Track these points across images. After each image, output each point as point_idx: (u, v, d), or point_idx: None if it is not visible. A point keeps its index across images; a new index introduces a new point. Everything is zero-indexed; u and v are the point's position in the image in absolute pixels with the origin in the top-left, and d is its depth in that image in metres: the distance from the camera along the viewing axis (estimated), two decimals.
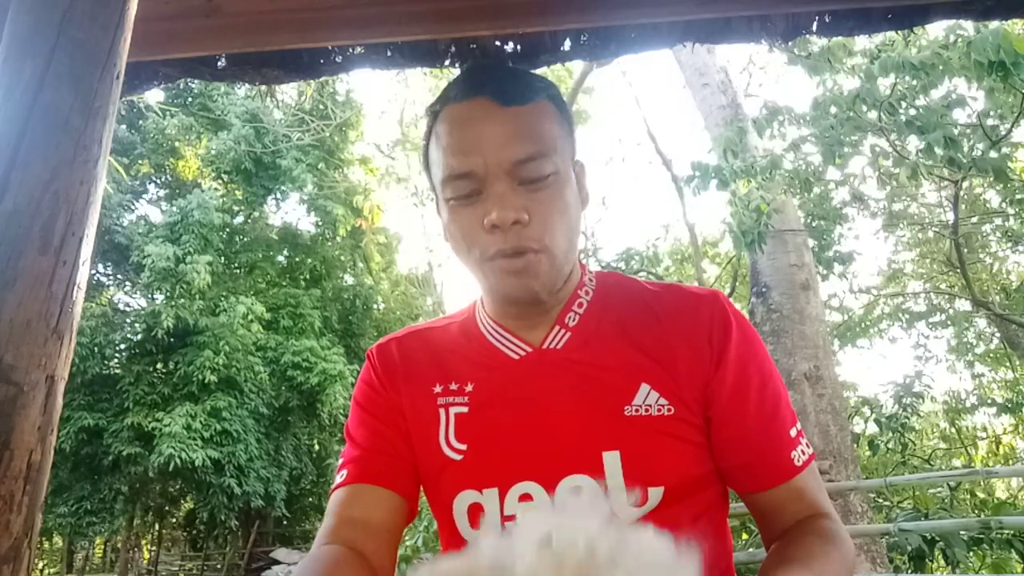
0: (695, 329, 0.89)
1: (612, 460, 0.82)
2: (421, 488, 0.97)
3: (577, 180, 0.94)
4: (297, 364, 16.52)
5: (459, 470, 0.88)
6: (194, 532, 23.32)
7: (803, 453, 0.86)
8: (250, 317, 15.97)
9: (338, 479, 0.95)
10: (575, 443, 0.80)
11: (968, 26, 3.99)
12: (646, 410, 0.85)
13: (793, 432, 0.87)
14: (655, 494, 0.82)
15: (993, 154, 4.51)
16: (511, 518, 0.84)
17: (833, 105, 4.82)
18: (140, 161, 18.62)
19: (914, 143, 5.09)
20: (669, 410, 0.85)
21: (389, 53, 1.43)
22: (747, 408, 0.86)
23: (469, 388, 0.92)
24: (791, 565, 0.72)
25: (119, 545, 22.14)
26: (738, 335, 0.90)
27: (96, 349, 15.72)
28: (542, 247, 0.86)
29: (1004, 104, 5.14)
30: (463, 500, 0.88)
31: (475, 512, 0.87)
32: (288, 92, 16.34)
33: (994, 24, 3.73)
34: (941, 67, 4.02)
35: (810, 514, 0.84)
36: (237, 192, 18.83)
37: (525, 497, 0.84)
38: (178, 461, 14.46)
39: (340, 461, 0.97)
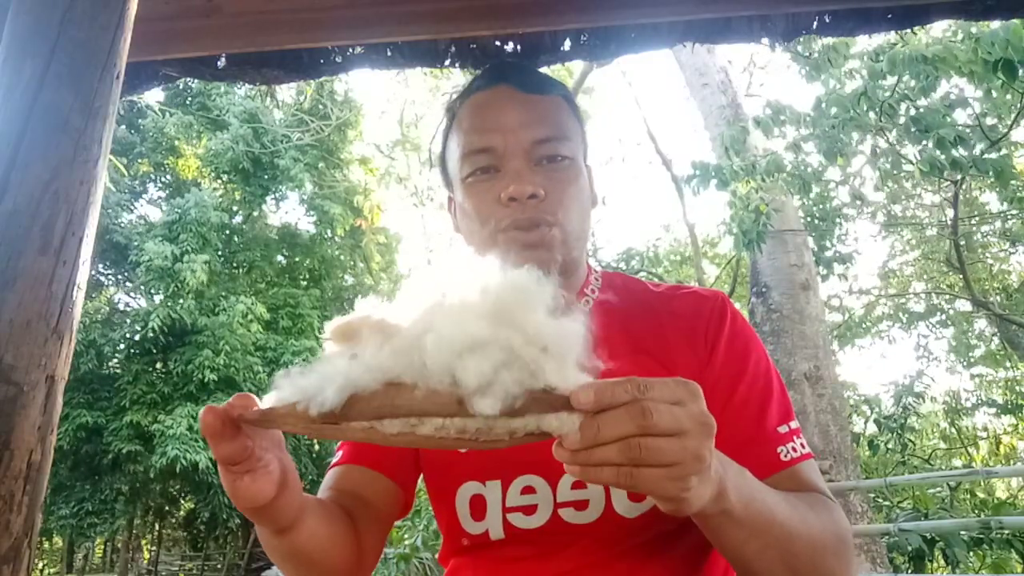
0: (693, 327, 0.91)
1: None
2: (420, 483, 0.98)
3: (588, 180, 0.98)
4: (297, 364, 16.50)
5: (463, 462, 0.89)
6: (194, 532, 23.31)
7: (794, 451, 0.84)
8: (250, 317, 15.96)
9: (334, 460, 0.96)
10: None
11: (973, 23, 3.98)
12: None
13: (783, 429, 0.85)
14: None
15: (992, 155, 4.51)
16: (513, 510, 0.85)
17: (835, 105, 4.80)
18: (139, 160, 18.61)
19: (913, 144, 5.09)
20: None
21: (389, 53, 1.43)
22: (732, 400, 0.86)
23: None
24: (773, 489, 0.71)
25: (119, 545, 22.14)
26: (731, 331, 0.91)
27: (94, 348, 15.74)
28: (556, 221, 0.89)
29: (1002, 104, 5.14)
30: (466, 491, 0.89)
31: (477, 504, 0.88)
32: (287, 92, 16.35)
33: (994, 24, 3.72)
34: (951, 62, 3.99)
35: (806, 491, 0.82)
36: (236, 192, 18.81)
37: (528, 490, 0.85)
38: (183, 462, 14.46)
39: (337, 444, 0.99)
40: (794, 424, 0.87)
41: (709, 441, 0.55)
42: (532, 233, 0.87)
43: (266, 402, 0.56)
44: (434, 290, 0.55)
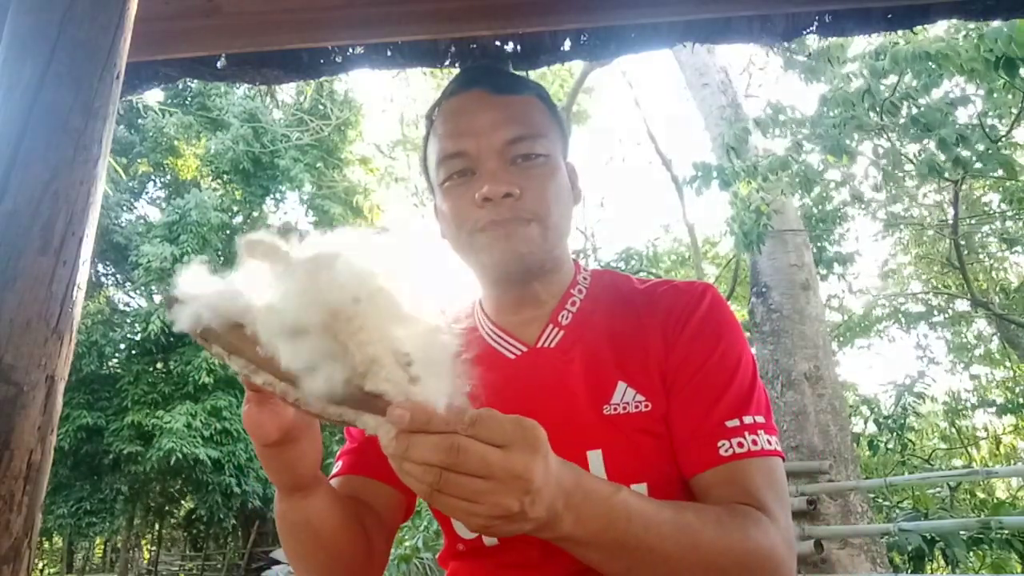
0: (667, 318, 0.90)
1: (595, 459, 0.83)
2: None
3: (569, 179, 0.98)
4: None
5: None
6: (194, 532, 23.30)
7: (739, 446, 0.80)
8: None
9: (333, 471, 0.96)
10: (561, 443, 0.78)
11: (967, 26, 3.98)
12: (623, 408, 0.85)
13: (733, 423, 0.81)
14: (639, 491, 0.81)
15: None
16: None
17: (839, 104, 4.80)
18: (139, 160, 18.61)
19: (914, 144, 5.08)
20: (646, 406, 0.85)
21: (389, 53, 1.43)
22: (685, 389, 0.85)
23: (466, 388, 0.93)
24: (663, 507, 0.69)
25: (119, 545, 22.12)
26: (701, 320, 0.89)
27: (96, 349, 15.76)
28: (534, 217, 0.89)
29: (1003, 104, 5.14)
30: None
31: None
32: (287, 92, 16.34)
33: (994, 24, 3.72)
34: (953, 59, 3.98)
35: (743, 501, 0.77)
36: (236, 192, 18.82)
37: None
38: (179, 455, 14.49)
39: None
40: (751, 419, 0.82)
41: (519, 495, 0.54)
42: (508, 226, 0.88)
43: (178, 291, 0.58)
44: (331, 253, 0.54)
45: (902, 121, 4.57)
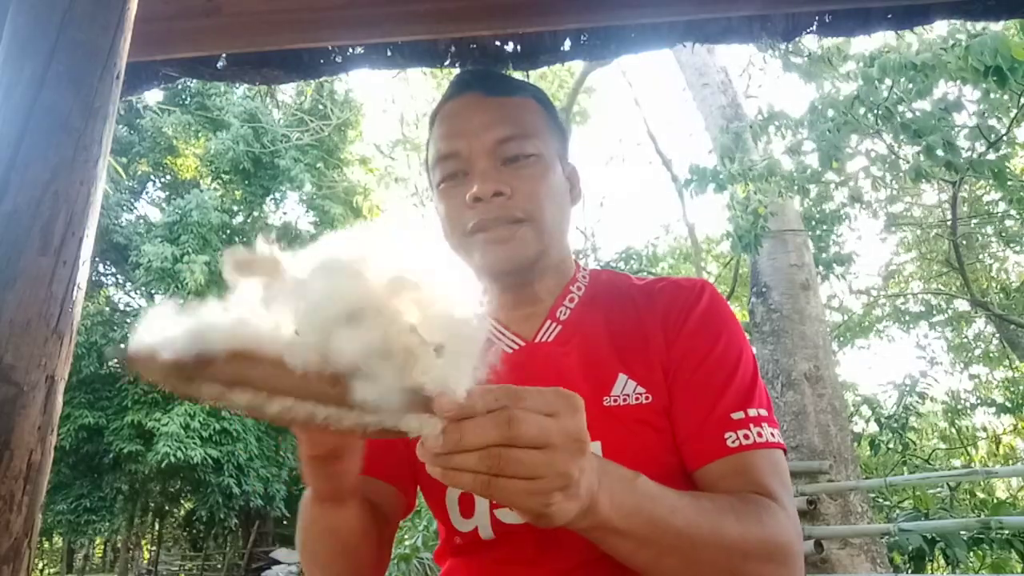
0: (667, 314, 0.91)
1: (595, 451, 0.83)
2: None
3: (569, 180, 1.00)
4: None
5: None
6: (194, 532, 23.30)
7: (745, 438, 0.81)
8: None
9: None
10: None
11: (967, 27, 3.99)
12: (624, 400, 0.86)
13: (738, 415, 0.82)
14: None
15: (991, 156, 4.51)
16: (500, 505, 0.85)
17: (830, 109, 4.81)
18: (138, 160, 18.61)
19: (910, 147, 5.09)
20: (647, 398, 0.86)
21: (389, 53, 1.43)
22: (689, 383, 0.86)
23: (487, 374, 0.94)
24: (681, 494, 0.69)
25: (119, 545, 22.13)
26: (702, 314, 0.89)
27: (96, 349, 15.77)
28: (527, 217, 0.89)
29: (1000, 105, 5.13)
30: (455, 491, 0.89)
31: (467, 502, 0.89)
32: (287, 92, 16.35)
33: (994, 27, 3.74)
34: (939, 69, 4.01)
35: (751, 490, 0.78)
36: (236, 192, 18.83)
37: None
38: (173, 459, 14.52)
39: None
40: (754, 412, 0.83)
41: (579, 458, 0.53)
42: (501, 230, 0.88)
43: (136, 339, 0.53)
44: (339, 252, 0.50)
45: (899, 123, 4.57)
